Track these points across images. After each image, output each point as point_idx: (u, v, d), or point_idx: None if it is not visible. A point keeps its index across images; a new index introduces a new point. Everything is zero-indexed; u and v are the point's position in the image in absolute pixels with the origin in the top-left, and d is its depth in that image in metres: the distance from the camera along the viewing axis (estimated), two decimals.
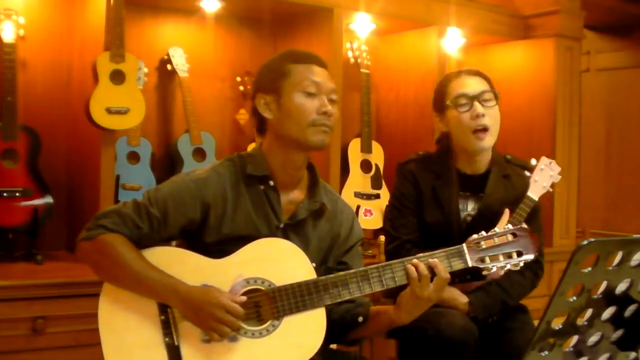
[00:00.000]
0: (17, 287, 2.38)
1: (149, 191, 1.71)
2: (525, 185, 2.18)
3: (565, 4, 3.84)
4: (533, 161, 2.20)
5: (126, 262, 1.62)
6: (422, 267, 1.63)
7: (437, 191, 2.22)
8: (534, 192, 2.16)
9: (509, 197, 2.19)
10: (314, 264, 1.68)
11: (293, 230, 1.75)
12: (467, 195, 2.23)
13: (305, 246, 1.72)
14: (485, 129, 2.15)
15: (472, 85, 2.19)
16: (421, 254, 1.66)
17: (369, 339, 2.80)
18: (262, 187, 1.74)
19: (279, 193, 1.75)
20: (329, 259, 1.82)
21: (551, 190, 2.20)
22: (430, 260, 1.65)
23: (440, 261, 1.66)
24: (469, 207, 2.22)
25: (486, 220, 2.12)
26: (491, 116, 2.16)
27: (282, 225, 1.74)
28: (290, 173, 1.77)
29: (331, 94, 1.74)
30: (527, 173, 2.21)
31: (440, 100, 2.24)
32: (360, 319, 1.77)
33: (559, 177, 2.20)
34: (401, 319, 1.72)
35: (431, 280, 1.64)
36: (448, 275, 1.65)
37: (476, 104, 2.15)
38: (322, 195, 1.80)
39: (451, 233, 2.17)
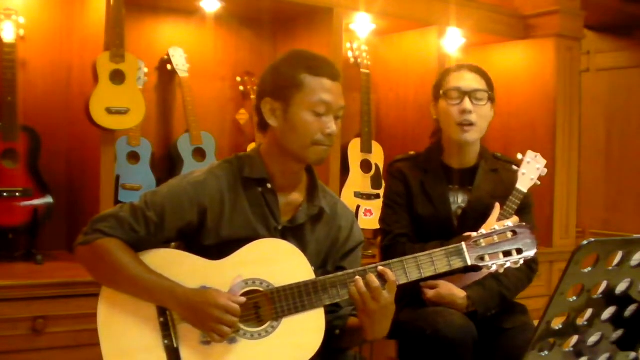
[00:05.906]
0: (17, 287, 2.38)
1: (146, 194, 1.70)
2: (514, 180, 2.23)
3: (565, 4, 3.83)
4: (519, 155, 2.25)
5: (123, 266, 1.61)
6: (373, 278, 1.61)
7: (425, 186, 2.26)
8: (522, 185, 2.22)
9: (497, 190, 2.24)
10: (312, 268, 1.67)
11: (291, 233, 1.74)
12: (455, 188, 2.27)
13: (302, 250, 1.70)
14: (470, 124, 2.19)
15: (468, 81, 2.23)
16: (420, 254, 1.66)
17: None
18: (259, 189, 1.74)
19: (277, 195, 1.75)
20: (328, 262, 1.81)
21: (539, 183, 2.25)
22: (380, 268, 1.62)
23: (439, 259, 1.65)
24: (459, 200, 2.26)
25: (477, 212, 2.19)
26: (479, 114, 2.20)
27: (280, 228, 1.74)
28: (288, 177, 1.76)
29: (339, 111, 1.72)
30: (514, 167, 2.25)
31: (437, 88, 2.30)
32: (337, 331, 1.76)
33: (546, 170, 2.26)
34: (374, 336, 1.68)
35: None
36: (395, 278, 1.62)
37: (466, 99, 2.20)
38: (321, 199, 1.80)
39: (444, 226, 2.21)
